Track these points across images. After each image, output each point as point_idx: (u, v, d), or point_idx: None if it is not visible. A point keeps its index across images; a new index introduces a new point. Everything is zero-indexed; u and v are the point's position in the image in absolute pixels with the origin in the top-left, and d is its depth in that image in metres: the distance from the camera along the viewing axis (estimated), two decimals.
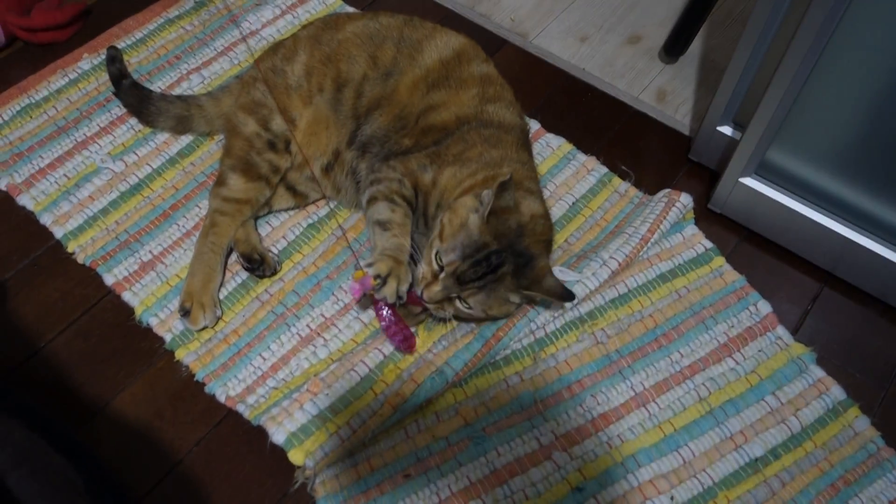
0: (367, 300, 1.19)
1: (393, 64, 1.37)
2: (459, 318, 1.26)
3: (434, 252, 1.17)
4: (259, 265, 1.37)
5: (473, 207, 1.17)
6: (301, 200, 1.47)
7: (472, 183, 1.24)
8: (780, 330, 1.38)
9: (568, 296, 1.20)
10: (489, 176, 1.24)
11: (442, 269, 1.16)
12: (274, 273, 1.39)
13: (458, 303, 1.19)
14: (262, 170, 1.38)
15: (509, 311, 1.26)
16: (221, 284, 1.37)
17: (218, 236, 1.36)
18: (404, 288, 1.18)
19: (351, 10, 1.82)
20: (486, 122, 1.32)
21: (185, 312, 1.30)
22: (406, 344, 1.24)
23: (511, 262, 1.15)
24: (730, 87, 1.45)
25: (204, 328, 1.32)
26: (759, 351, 1.35)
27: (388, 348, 1.26)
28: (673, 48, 1.81)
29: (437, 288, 1.17)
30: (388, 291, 1.16)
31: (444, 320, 1.24)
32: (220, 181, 1.40)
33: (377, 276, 1.15)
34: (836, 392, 1.31)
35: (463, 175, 1.25)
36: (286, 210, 1.48)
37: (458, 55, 1.38)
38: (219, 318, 1.33)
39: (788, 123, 1.35)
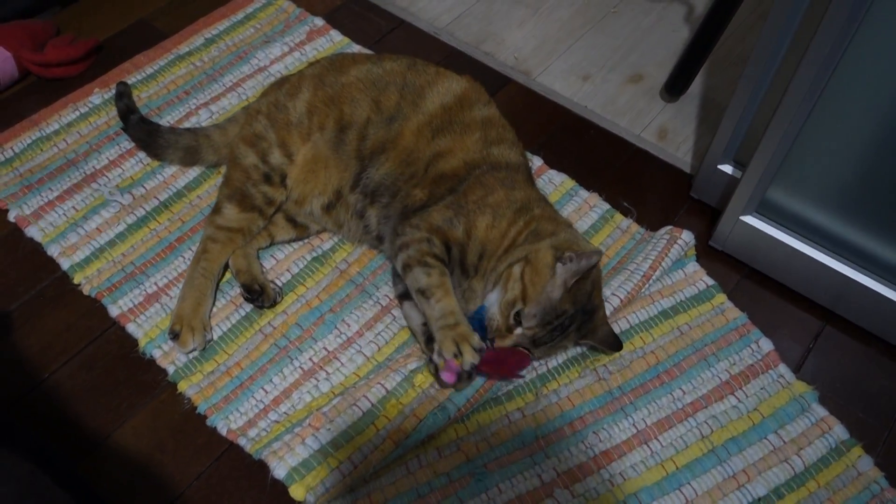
0: (465, 375, 1.21)
1: (396, 109, 1.39)
2: None
3: (514, 311, 1.20)
4: (259, 296, 1.38)
5: (551, 265, 1.20)
6: (302, 232, 1.48)
7: (516, 232, 1.28)
8: (782, 368, 1.38)
9: (617, 345, 1.28)
10: (528, 220, 1.28)
11: (518, 325, 1.21)
12: (274, 304, 1.40)
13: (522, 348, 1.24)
14: (257, 201, 1.41)
15: (559, 350, 1.32)
16: (212, 309, 1.38)
17: (209, 262, 1.38)
18: (476, 341, 1.20)
19: (357, 48, 1.85)
20: (495, 165, 1.35)
21: (174, 335, 1.32)
22: (521, 363, 1.25)
23: (579, 319, 1.22)
24: (730, 127, 1.47)
25: (193, 351, 1.33)
26: (762, 389, 1.35)
27: (391, 383, 1.26)
28: (674, 87, 1.83)
29: (509, 342, 1.22)
30: (470, 359, 1.18)
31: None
32: (216, 209, 1.43)
33: (454, 356, 1.18)
34: (839, 431, 1.31)
35: (502, 226, 1.28)
36: (288, 242, 1.49)
37: (460, 100, 1.40)
38: (209, 342, 1.34)
39: (788, 162, 1.36)
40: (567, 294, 1.19)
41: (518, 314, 1.20)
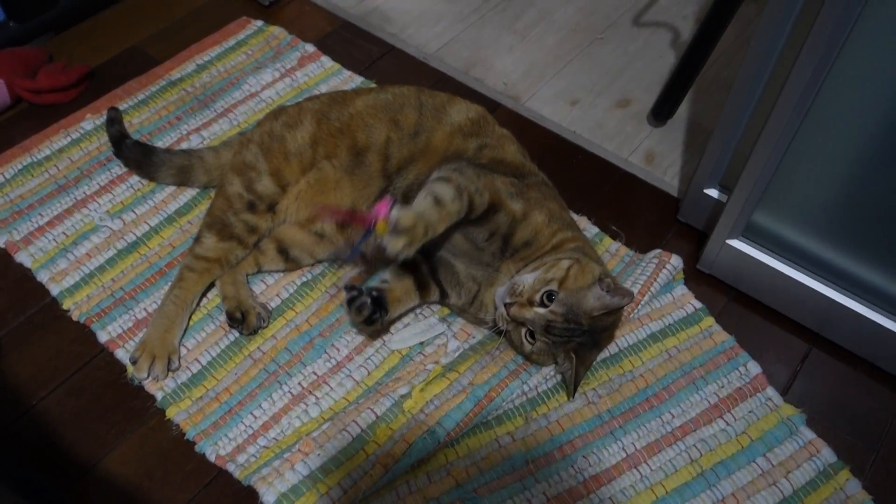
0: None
1: (418, 125, 1.40)
2: (509, 339, 1.32)
3: (546, 289, 1.22)
4: (239, 324, 1.38)
5: (596, 278, 1.25)
6: (292, 266, 1.48)
7: (562, 239, 1.32)
8: (770, 391, 1.38)
9: (569, 392, 1.33)
10: (574, 237, 1.34)
11: (542, 305, 1.23)
12: (254, 333, 1.40)
13: (524, 333, 1.27)
14: (236, 230, 1.41)
15: (546, 365, 1.35)
16: (183, 336, 1.38)
17: (183, 290, 1.38)
18: (405, 256, 1.14)
19: (348, 74, 1.87)
20: (544, 181, 1.42)
21: (133, 361, 1.32)
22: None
23: (585, 339, 1.26)
24: (716, 151, 1.49)
25: (152, 379, 1.32)
26: (750, 412, 1.36)
27: (381, 408, 1.27)
28: (661, 112, 1.86)
29: (526, 315, 1.24)
30: (396, 244, 1.12)
31: (495, 328, 1.31)
32: (197, 238, 1.43)
33: (399, 225, 1.12)
34: (827, 454, 1.31)
35: (554, 227, 1.32)
36: (277, 272, 1.50)
37: (483, 118, 1.45)
38: (174, 371, 1.34)
39: (773, 187, 1.38)
40: (593, 315, 1.24)
41: (549, 296, 1.22)
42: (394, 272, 1.38)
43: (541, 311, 1.23)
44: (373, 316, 1.30)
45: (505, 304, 1.26)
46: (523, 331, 1.26)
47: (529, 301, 1.24)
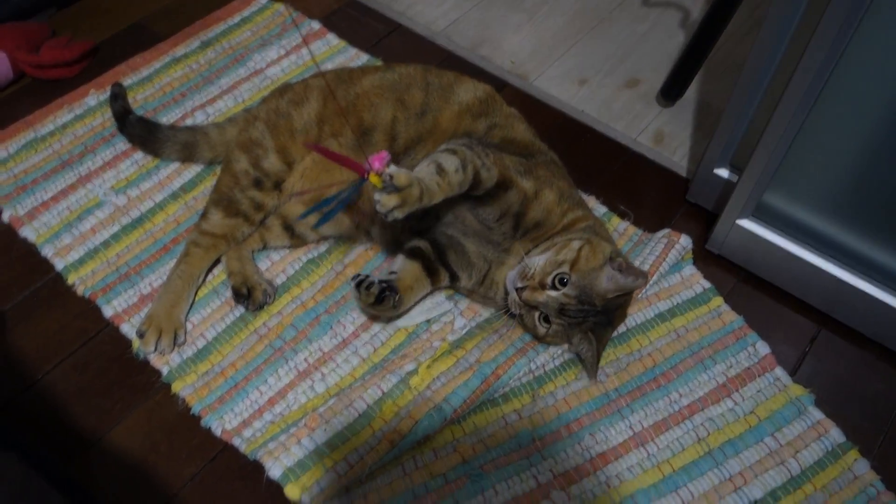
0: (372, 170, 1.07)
1: (424, 105, 1.39)
2: (522, 322, 1.31)
3: (558, 272, 1.21)
4: (245, 299, 1.37)
5: (607, 257, 1.23)
6: (298, 242, 1.48)
7: (574, 218, 1.31)
8: (779, 371, 1.38)
9: (592, 373, 1.29)
10: (585, 216, 1.33)
11: (554, 288, 1.22)
12: (260, 309, 1.39)
13: (538, 317, 1.25)
14: (242, 206, 1.40)
15: (559, 345, 1.34)
16: (189, 311, 1.38)
17: (189, 265, 1.38)
18: (396, 216, 1.10)
19: (354, 51, 1.85)
20: (553, 160, 1.40)
21: (140, 335, 1.31)
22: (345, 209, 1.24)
23: (600, 318, 1.24)
24: (726, 131, 1.48)
25: (158, 353, 1.32)
26: (758, 392, 1.35)
27: (387, 384, 1.26)
28: (670, 92, 1.84)
29: (539, 298, 1.22)
30: (388, 202, 1.08)
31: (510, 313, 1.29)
32: (203, 214, 1.42)
33: (390, 182, 1.08)
34: (836, 434, 1.31)
35: (564, 206, 1.31)
36: (282, 248, 1.49)
37: (491, 97, 1.43)
38: (180, 345, 1.33)
39: (785, 166, 1.37)
40: (607, 296, 1.23)
41: (561, 279, 1.21)
42: (401, 262, 1.36)
43: (553, 293, 1.22)
44: (382, 294, 1.28)
45: (517, 289, 1.25)
46: (536, 314, 1.25)
47: (541, 284, 1.23)
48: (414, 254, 1.36)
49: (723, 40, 1.84)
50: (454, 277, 1.37)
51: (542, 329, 1.26)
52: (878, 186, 1.31)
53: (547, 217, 1.30)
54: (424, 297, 1.41)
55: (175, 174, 1.58)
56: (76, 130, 1.65)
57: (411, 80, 1.42)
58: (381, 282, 1.30)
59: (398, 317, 1.39)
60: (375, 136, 1.38)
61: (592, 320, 1.23)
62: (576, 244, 1.24)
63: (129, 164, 1.60)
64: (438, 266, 1.36)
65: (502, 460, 1.24)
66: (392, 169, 1.08)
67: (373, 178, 1.08)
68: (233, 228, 1.40)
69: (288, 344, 1.36)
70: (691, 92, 1.87)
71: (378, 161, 1.07)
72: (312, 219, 1.40)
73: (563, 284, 1.22)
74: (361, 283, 1.29)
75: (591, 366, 1.28)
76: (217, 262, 1.43)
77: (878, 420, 1.36)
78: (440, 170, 1.15)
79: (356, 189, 1.13)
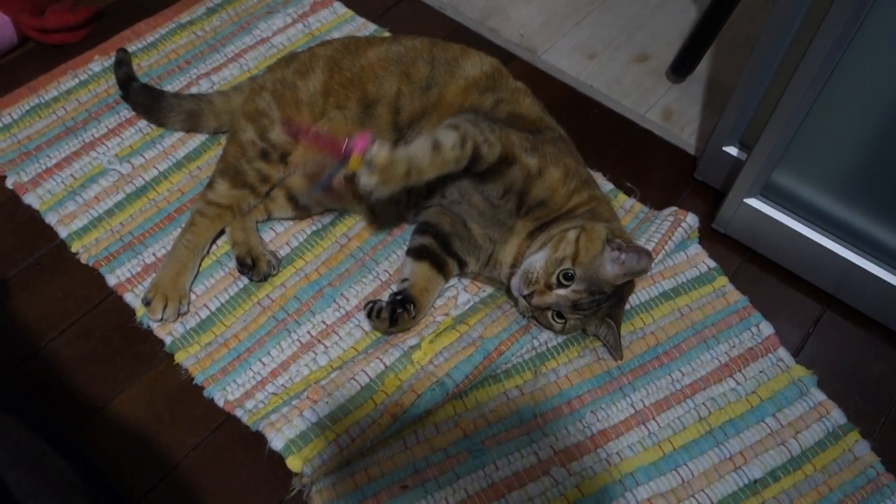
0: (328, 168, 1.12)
1: (430, 78, 1.37)
2: (537, 322, 1.32)
3: (561, 269, 1.21)
4: (250, 270, 1.37)
5: (604, 241, 1.22)
6: (302, 214, 1.47)
7: (579, 201, 1.29)
8: (782, 352, 1.37)
9: (617, 354, 1.30)
10: (590, 196, 1.31)
11: (561, 286, 1.21)
12: (264, 279, 1.39)
13: (551, 315, 1.25)
14: (249, 177, 1.39)
15: (577, 329, 1.33)
16: (193, 282, 1.37)
17: (194, 235, 1.37)
18: (378, 195, 1.12)
19: (361, 21, 1.83)
20: (561, 136, 1.38)
21: (146, 303, 1.31)
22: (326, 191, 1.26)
23: (612, 301, 1.25)
24: (736, 109, 1.46)
25: (163, 321, 1.32)
26: (760, 372, 1.35)
27: (390, 358, 1.26)
28: (680, 68, 1.81)
29: (549, 300, 1.22)
30: (367, 181, 1.10)
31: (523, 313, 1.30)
32: (209, 184, 1.41)
33: (373, 162, 1.09)
34: (837, 416, 1.31)
35: (571, 185, 1.29)
36: (287, 219, 1.48)
37: (498, 71, 1.41)
38: (183, 314, 1.34)
39: (795, 145, 1.35)
40: (615, 281, 1.22)
41: (566, 276, 1.21)
42: (410, 267, 1.35)
43: (562, 291, 1.22)
44: (394, 314, 1.27)
45: (524, 296, 1.24)
46: (549, 313, 1.25)
47: (547, 285, 1.22)
48: (420, 254, 1.36)
49: (735, 16, 1.81)
50: (462, 264, 1.37)
51: (558, 325, 1.26)
52: (889, 167, 1.29)
53: (552, 196, 1.28)
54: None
55: (179, 143, 1.57)
56: (80, 97, 1.63)
57: (417, 53, 1.40)
58: (391, 299, 1.29)
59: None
60: (379, 110, 1.37)
61: (606, 306, 1.23)
62: (572, 235, 1.23)
63: (133, 132, 1.58)
64: (446, 258, 1.36)
65: (503, 436, 1.24)
66: (374, 150, 1.09)
67: (353, 163, 1.10)
68: (238, 199, 1.39)
69: (291, 316, 1.36)
70: (702, 68, 1.84)
71: (361, 142, 1.09)
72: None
73: (569, 279, 1.21)
74: (371, 312, 1.29)
75: (614, 347, 1.29)
76: (221, 232, 1.42)
77: (880, 402, 1.36)
78: (436, 146, 1.15)
79: (338, 171, 1.15)
